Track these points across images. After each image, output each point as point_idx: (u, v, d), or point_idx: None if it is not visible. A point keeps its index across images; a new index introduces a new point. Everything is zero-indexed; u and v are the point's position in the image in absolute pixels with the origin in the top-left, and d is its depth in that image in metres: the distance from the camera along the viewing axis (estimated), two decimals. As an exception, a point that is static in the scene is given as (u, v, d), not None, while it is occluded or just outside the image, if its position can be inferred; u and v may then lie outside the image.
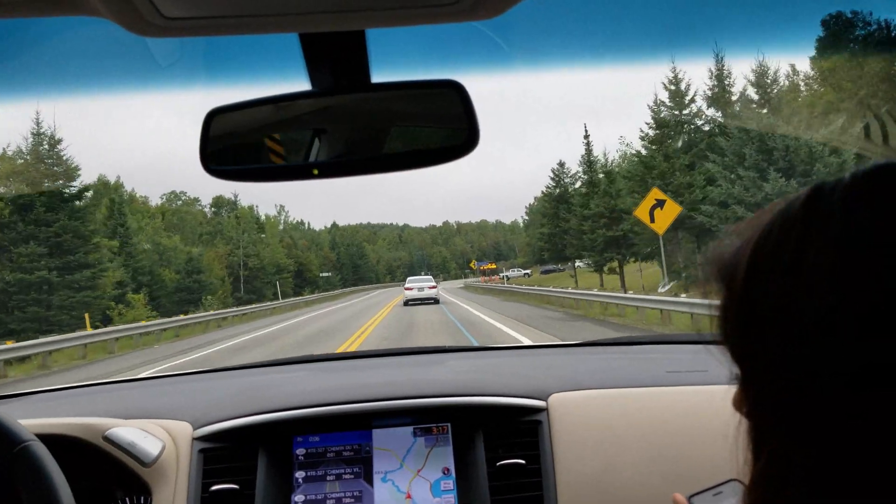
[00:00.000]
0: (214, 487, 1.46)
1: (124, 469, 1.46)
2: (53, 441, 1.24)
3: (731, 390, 0.58)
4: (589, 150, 42.85)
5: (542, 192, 48.36)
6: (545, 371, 1.84)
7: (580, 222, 39.95)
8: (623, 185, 36.92)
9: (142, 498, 1.50)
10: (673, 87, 30.81)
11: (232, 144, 1.01)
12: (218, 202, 70.30)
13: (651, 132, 31.71)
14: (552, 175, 48.56)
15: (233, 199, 67.57)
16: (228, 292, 51.76)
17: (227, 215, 65.05)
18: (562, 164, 48.63)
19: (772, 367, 0.51)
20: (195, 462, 1.50)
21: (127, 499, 1.52)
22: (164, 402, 1.77)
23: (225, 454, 1.52)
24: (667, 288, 26.82)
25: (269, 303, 42.29)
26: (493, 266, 79.63)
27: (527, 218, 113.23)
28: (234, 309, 34.35)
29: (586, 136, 44.59)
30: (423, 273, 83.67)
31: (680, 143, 30.79)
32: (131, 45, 0.90)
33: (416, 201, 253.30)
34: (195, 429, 1.56)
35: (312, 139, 0.98)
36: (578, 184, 46.35)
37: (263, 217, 75.50)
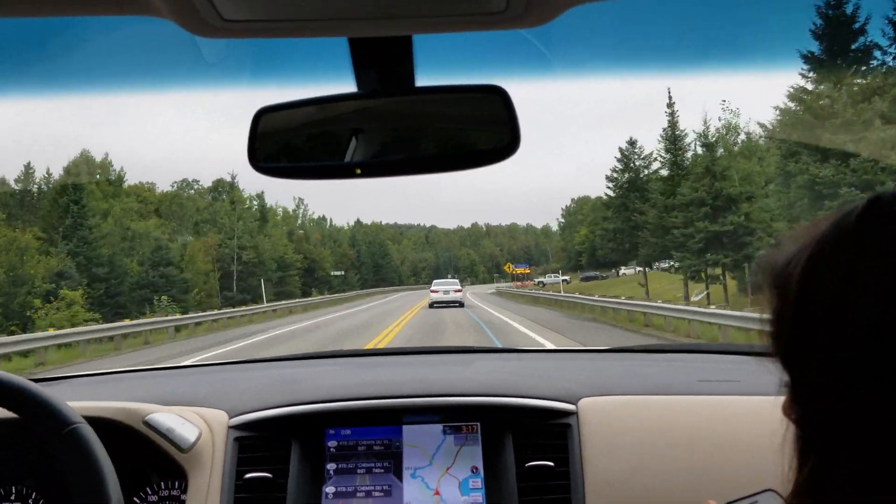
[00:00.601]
0: (248, 475, 1.51)
1: (162, 453, 1.51)
2: (95, 423, 1.25)
3: (763, 401, 0.63)
4: (673, 124, 32.98)
5: (606, 177, 38.35)
6: (575, 375, 1.84)
7: (661, 214, 30.34)
8: (738, 164, 27.19)
9: (177, 482, 1.57)
10: (831, 12, 21.02)
11: (279, 142, 1.05)
12: (218, 186, 60.26)
13: (812, 72, 21.58)
14: (619, 157, 38.62)
15: (230, 179, 57.19)
16: (215, 290, 42.95)
17: (223, 199, 55.45)
18: (632, 143, 38.65)
19: (821, 370, 0.53)
20: (230, 450, 1.55)
21: (162, 483, 1.58)
22: (200, 391, 1.82)
23: (259, 443, 1.56)
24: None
25: (243, 308, 32.59)
26: (527, 271, 75.33)
27: (563, 221, 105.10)
28: (176, 318, 24.71)
29: (670, 105, 33.81)
30: (449, 276, 78.90)
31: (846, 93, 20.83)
32: (176, 41, 0.91)
33: (445, 202, 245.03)
34: (231, 417, 1.60)
35: (356, 139, 1.01)
36: (657, 165, 36.37)
37: (275, 204, 66.64)
